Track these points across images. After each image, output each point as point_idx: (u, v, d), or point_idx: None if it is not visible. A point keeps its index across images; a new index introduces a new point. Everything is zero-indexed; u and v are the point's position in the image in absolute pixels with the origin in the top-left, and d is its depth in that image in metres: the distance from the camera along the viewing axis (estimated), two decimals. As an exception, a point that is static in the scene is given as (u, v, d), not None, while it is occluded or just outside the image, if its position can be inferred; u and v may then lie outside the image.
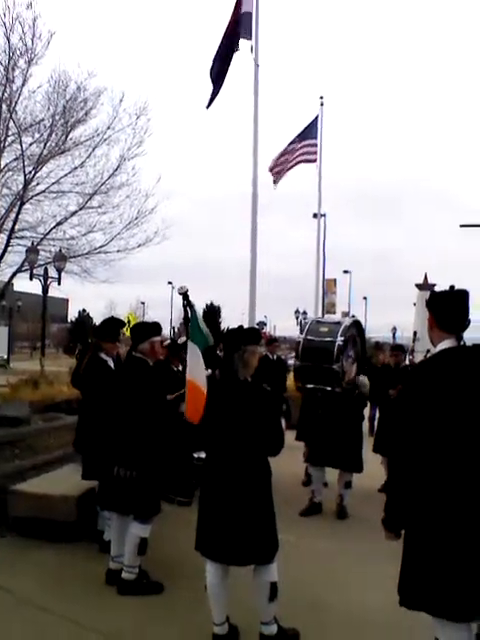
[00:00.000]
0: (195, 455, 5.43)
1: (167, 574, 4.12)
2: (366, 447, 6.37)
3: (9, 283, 15.05)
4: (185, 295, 4.14)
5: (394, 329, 43.25)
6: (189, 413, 3.85)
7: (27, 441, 7.04)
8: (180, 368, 6.88)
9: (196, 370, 3.95)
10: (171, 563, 4.35)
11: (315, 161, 15.22)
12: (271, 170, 13.29)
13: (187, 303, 4.17)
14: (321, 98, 15.73)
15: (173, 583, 4.01)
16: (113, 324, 5.22)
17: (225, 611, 3.30)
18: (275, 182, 13.22)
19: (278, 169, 13.49)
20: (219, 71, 8.85)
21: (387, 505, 2.62)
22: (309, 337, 6.14)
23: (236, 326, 3.79)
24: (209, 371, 4.01)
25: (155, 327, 4.43)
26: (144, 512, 3.97)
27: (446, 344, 2.60)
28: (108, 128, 14.51)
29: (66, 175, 14.51)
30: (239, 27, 8.69)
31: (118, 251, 15.23)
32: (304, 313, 35.20)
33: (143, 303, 55.37)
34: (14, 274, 14.69)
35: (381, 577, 2.87)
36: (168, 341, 7.36)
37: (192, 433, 3.62)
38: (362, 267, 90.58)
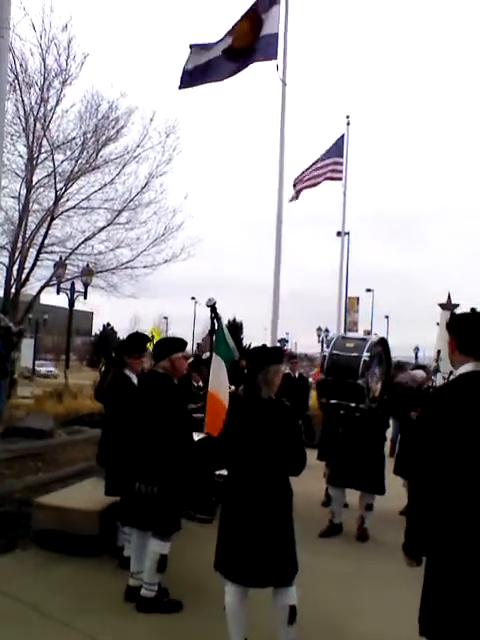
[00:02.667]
0: (217, 472, 5.43)
1: (186, 592, 4.11)
2: (387, 469, 6.29)
3: (37, 296, 15.30)
4: (213, 308, 4.20)
5: (416, 349, 42.77)
6: (209, 426, 3.87)
7: (51, 454, 7.13)
8: (199, 384, 6.94)
9: (219, 383, 3.97)
10: (191, 581, 4.34)
11: (341, 179, 15.26)
12: (293, 186, 13.31)
13: (214, 316, 4.22)
14: (347, 117, 15.80)
15: (192, 602, 4.00)
16: (138, 339, 5.26)
17: (244, 633, 3.27)
18: (292, 199, 13.20)
19: (300, 187, 13.54)
20: (209, 68, 8.51)
21: (407, 530, 2.58)
22: (335, 352, 6.11)
23: (259, 343, 3.82)
24: (233, 387, 4.03)
25: (178, 343, 4.46)
26: (164, 529, 3.98)
27: (467, 368, 2.56)
28: (138, 146, 14.84)
29: (96, 192, 14.84)
30: (258, 48, 8.64)
31: (145, 267, 15.46)
32: (326, 331, 35.06)
33: (166, 318, 55.78)
34: (42, 288, 14.96)
35: (400, 603, 2.83)
36: (191, 358, 7.41)
37: (213, 451, 3.62)
38: (385, 286, 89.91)
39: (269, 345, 4.38)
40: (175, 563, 4.20)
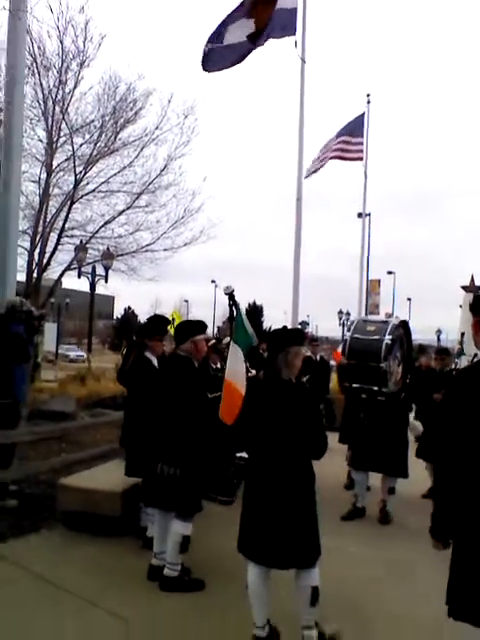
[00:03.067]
0: (238, 454, 5.45)
1: (209, 572, 4.15)
2: (410, 452, 6.24)
3: (59, 281, 15.44)
4: (231, 295, 4.17)
5: (439, 331, 42.27)
6: (223, 414, 3.86)
7: (74, 436, 7.23)
8: (218, 365, 6.94)
9: (235, 372, 3.95)
10: (213, 561, 4.37)
11: (361, 159, 15.03)
12: (313, 171, 13.13)
13: (233, 303, 4.20)
14: (368, 96, 15.52)
15: (214, 581, 4.04)
16: (159, 321, 5.26)
17: (266, 613, 3.29)
18: (308, 175, 12.98)
19: (316, 165, 13.32)
20: (226, 49, 8.36)
21: (434, 513, 2.55)
22: (356, 336, 6.04)
23: (280, 326, 3.78)
24: (253, 372, 4.02)
25: (200, 325, 4.44)
26: (186, 509, 4.01)
27: None
28: (156, 128, 14.77)
29: (115, 175, 14.83)
30: (276, 22, 8.46)
31: (165, 250, 15.48)
32: (347, 314, 34.86)
33: (187, 301, 56.01)
34: (63, 272, 15.09)
35: (424, 586, 2.82)
36: (213, 340, 7.40)
37: (233, 433, 3.61)
38: (407, 268, 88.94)
39: (290, 327, 4.34)
40: (197, 544, 4.23)
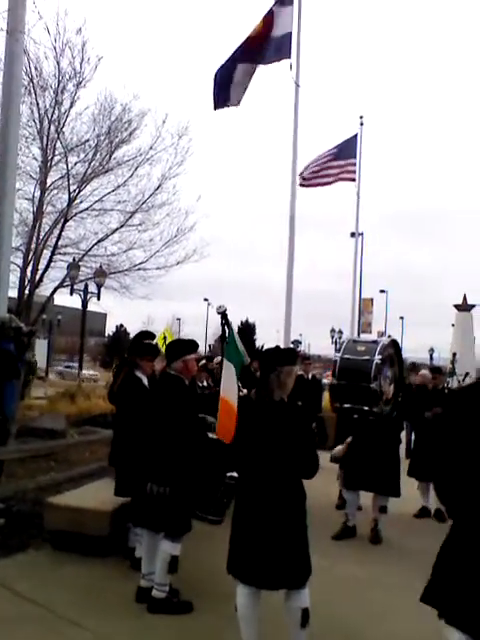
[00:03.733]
0: (228, 474, 5.42)
1: (198, 593, 4.10)
2: (402, 471, 6.24)
3: (51, 297, 15.41)
4: (224, 314, 4.20)
5: (431, 350, 42.49)
6: (220, 432, 3.86)
7: (63, 454, 7.16)
8: (205, 383, 6.92)
9: (229, 389, 3.96)
10: (202, 582, 4.32)
11: (354, 180, 15.20)
12: (300, 175, 13.00)
13: (225, 322, 4.22)
14: (361, 117, 15.78)
15: (203, 603, 3.99)
16: (149, 343, 5.25)
17: (256, 635, 3.25)
18: (302, 185, 12.96)
19: (311, 182, 13.32)
20: (227, 79, 8.77)
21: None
22: (346, 356, 6.08)
23: (272, 345, 3.79)
24: (245, 391, 4.02)
25: (191, 345, 4.46)
26: (175, 530, 3.97)
27: None
28: (150, 148, 14.89)
29: (109, 194, 14.93)
30: (269, 46, 8.72)
31: (157, 268, 15.52)
32: (340, 332, 34.91)
33: (179, 319, 55.94)
34: (56, 289, 15.07)
35: (414, 606, 2.79)
36: (203, 361, 7.40)
37: (224, 453, 3.61)
38: (400, 287, 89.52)
39: (282, 346, 4.36)
40: (186, 564, 4.20)
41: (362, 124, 15.66)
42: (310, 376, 10.03)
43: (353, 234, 17.96)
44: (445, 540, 2.53)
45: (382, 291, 39.62)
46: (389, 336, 7.82)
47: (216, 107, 8.92)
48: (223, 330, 4.23)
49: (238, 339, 4.31)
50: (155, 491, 3.90)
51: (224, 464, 3.77)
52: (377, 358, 5.84)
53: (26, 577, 4.37)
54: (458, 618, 2.38)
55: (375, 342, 6.21)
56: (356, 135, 15.35)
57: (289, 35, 9.05)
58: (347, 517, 6.05)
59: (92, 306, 19.11)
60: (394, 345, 6.38)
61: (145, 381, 4.97)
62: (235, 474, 3.59)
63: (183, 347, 4.38)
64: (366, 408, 5.86)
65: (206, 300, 50.05)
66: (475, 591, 2.34)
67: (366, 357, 5.91)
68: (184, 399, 4.12)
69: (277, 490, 3.20)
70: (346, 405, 6.06)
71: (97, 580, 4.40)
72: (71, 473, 6.45)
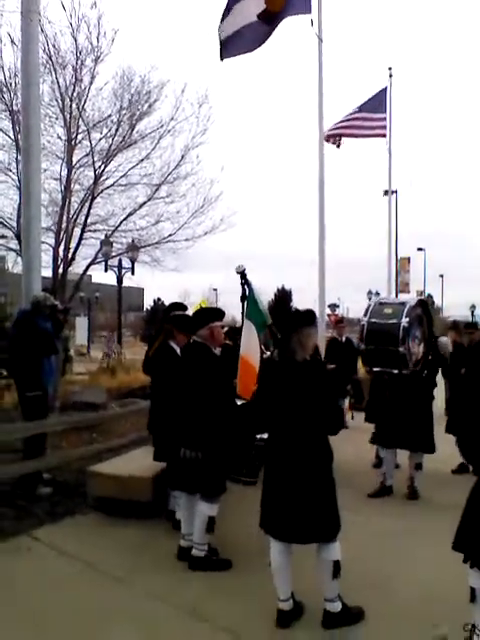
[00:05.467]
0: (258, 436, 5.53)
1: (235, 551, 4.25)
2: (439, 427, 6.21)
3: (84, 275, 15.65)
4: (242, 274, 4.24)
5: (473, 307, 41.50)
6: (240, 389, 3.92)
7: (104, 425, 7.41)
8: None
9: (250, 347, 4.01)
10: (239, 541, 4.47)
11: (385, 136, 14.72)
12: (331, 137, 12.67)
13: (244, 281, 4.26)
14: (390, 69, 15.17)
15: (241, 560, 4.15)
16: (177, 309, 5.28)
17: (289, 587, 3.38)
18: (338, 145, 12.65)
19: (341, 132, 12.94)
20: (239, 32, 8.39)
21: None
22: (373, 320, 6.00)
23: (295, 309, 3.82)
24: (268, 353, 4.07)
25: (217, 312, 4.51)
26: (210, 491, 4.11)
27: None
28: (171, 119, 14.76)
29: (133, 167, 14.90)
30: (291, 2, 8.39)
31: (186, 240, 15.53)
32: (377, 293, 34.41)
33: (216, 290, 56.09)
34: (88, 266, 15.28)
35: (450, 556, 2.84)
36: (227, 328, 7.46)
37: (251, 415, 3.69)
38: (439, 245, 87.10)
39: (318, 310, 4.38)
40: (223, 524, 4.34)
41: (391, 76, 15.04)
42: (344, 339, 10.01)
43: (386, 192, 17.50)
44: (471, 492, 2.56)
45: (420, 249, 38.70)
46: (421, 294, 7.69)
47: (222, 57, 8.55)
48: (243, 289, 4.27)
49: (259, 298, 4.34)
50: (188, 456, 4.03)
51: (252, 427, 3.86)
52: (404, 321, 5.74)
53: (74, 540, 4.61)
54: None
55: (402, 304, 6.09)
56: (385, 88, 14.73)
57: None
58: (384, 476, 6.09)
59: (128, 282, 19.33)
60: (422, 304, 6.27)
61: (178, 351, 5.06)
62: (265, 436, 3.67)
63: (209, 315, 4.43)
64: (396, 371, 5.83)
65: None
66: None
67: (393, 321, 5.81)
68: (211, 365, 4.20)
69: (304, 448, 3.28)
70: (376, 369, 6.05)
71: (140, 541, 4.61)
72: (112, 443, 6.68)
